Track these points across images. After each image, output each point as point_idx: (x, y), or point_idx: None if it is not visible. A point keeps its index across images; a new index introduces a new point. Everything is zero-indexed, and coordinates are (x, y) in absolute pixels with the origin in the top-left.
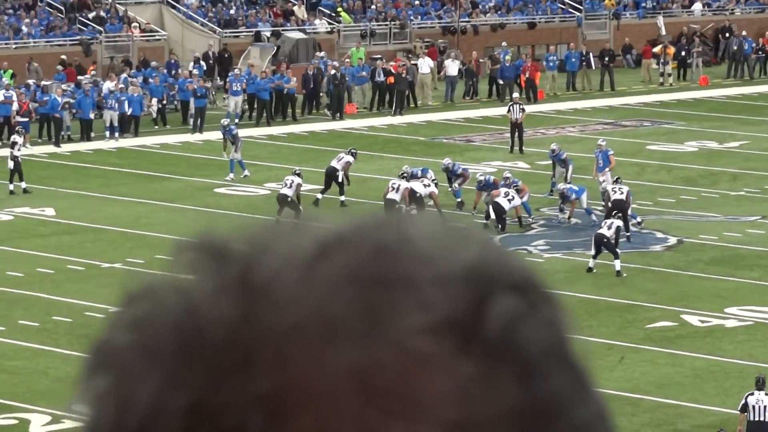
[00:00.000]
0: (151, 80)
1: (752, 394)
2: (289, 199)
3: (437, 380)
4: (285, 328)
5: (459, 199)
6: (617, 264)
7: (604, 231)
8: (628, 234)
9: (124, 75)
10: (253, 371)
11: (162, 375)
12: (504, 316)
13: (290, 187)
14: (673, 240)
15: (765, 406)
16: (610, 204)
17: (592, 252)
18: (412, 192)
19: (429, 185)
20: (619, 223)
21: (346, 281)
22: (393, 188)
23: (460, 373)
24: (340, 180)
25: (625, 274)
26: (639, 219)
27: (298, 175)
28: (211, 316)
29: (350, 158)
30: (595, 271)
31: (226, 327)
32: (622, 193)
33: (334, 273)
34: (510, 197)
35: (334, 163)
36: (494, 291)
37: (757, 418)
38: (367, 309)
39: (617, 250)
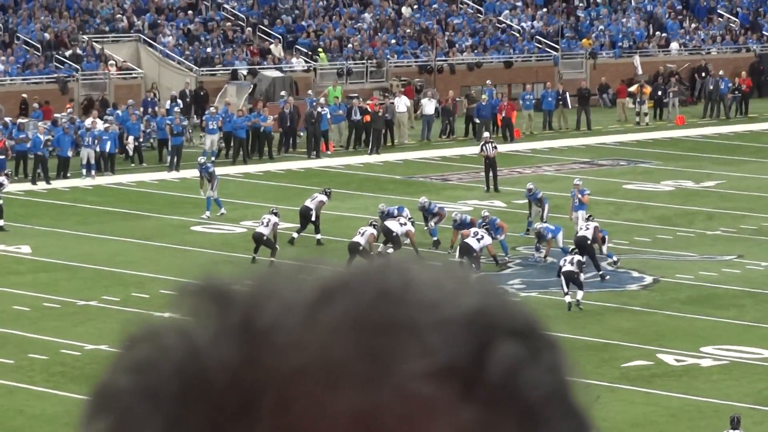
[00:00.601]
0: (128, 118)
1: None
2: (265, 237)
3: (439, 425)
4: (287, 372)
5: (435, 238)
6: (580, 294)
7: (568, 267)
8: (601, 273)
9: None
10: (256, 415)
11: (163, 418)
12: (505, 362)
13: (267, 225)
14: (649, 279)
15: None
16: (575, 240)
17: (565, 289)
18: (388, 230)
19: (405, 224)
20: (579, 257)
21: (348, 326)
22: (360, 233)
23: (462, 418)
24: (313, 219)
25: (581, 308)
26: (615, 258)
27: (276, 214)
28: (213, 360)
29: (324, 198)
30: (572, 307)
31: (229, 370)
32: (587, 229)
33: (337, 318)
34: (479, 237)
35: (308, 203)
36: (496, 337)
37: None
38: (370, 354)
39: (581, 282)
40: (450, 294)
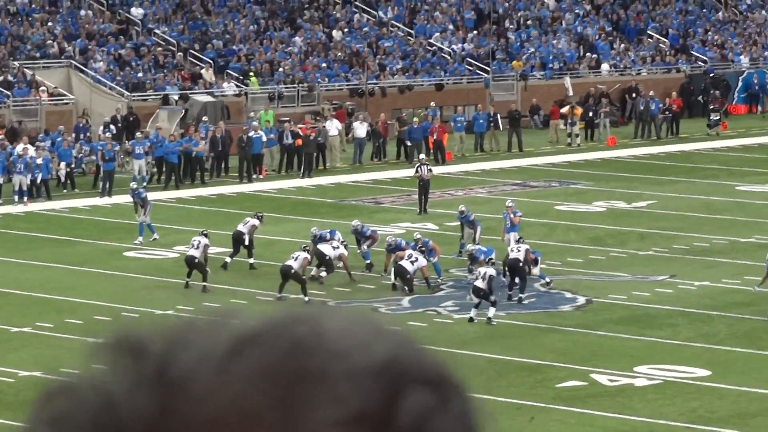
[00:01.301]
0: (59, 144)
1: None
2: (197, 260)
3: None
4: (202, 422)
5: (368, 261)
6: (491, 311)
7: (479, 284)
8: (521, 297)
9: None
10: None
11: None
12: (415, 410)
13: (197, 248)
14: (582, 300)
15: None
16: (503, 265)
17: (474, 301)
18: (321, 254)
19: (338, 247)
20: (492, 271)
21: (261, 376)
22: (293, 258)
23: None
24: (246, 243)
25: (495, 323)
26: (548, 279)
27: (205, 235)
28: (129, 412)
29: (256, 222)
30: (476, 321)
31: (144, 421)
32: (519, 251)
33: (250, 368)
34: (413, 259)
35: (240, 227)
36: (406, 385)
37: None
38: (282, 403)
39: (492, 298)
40: (361, 344)
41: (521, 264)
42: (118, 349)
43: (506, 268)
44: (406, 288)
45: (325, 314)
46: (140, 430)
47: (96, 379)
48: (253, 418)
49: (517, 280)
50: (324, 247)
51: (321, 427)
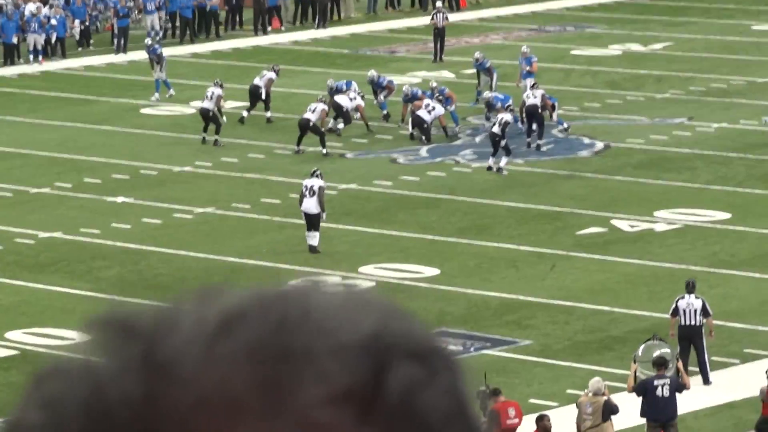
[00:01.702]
0: (72, 1)
1: (682, 297)
2: (210, 113)
3: None
4: (188, 406)
5: (385, 111)
6: (503, 161)
7: (495, 129)
8: (539, 142)
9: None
10: None
11: None
12: (403, 384)
13: (210, 99)
14: (600, 145)
15: (695, 310)
16: (524, 109)
17: (491, 151)
18: (338, 106)
19: (354, 98)
20: (508, 117)
21: (247, 356)
22: (310, 110)
23: None
24: (263, 97)
25: (505, 173)
26: (566, 125)
27: (220, 85)
28: (116, 396)
29: (272, 75)
30: (494, 169)
31: (131, 406)
32: (536, 97)
33: (236, 349)
34: (431, 108)
35: (256, 81)
36: (393, 360)
37: (687, 322)
38: (268, 384)
39: (503, 142)
40: (348, 319)
41: (539, 109)
42: (108, 330)
43: (523, 115)
44: (424, 137)
45: (314, 290)
46: (127, 415)
47: (86, 362)
48: (239, 401)
49: (534, 126)
50: (341, 99)
51: (307, 407)
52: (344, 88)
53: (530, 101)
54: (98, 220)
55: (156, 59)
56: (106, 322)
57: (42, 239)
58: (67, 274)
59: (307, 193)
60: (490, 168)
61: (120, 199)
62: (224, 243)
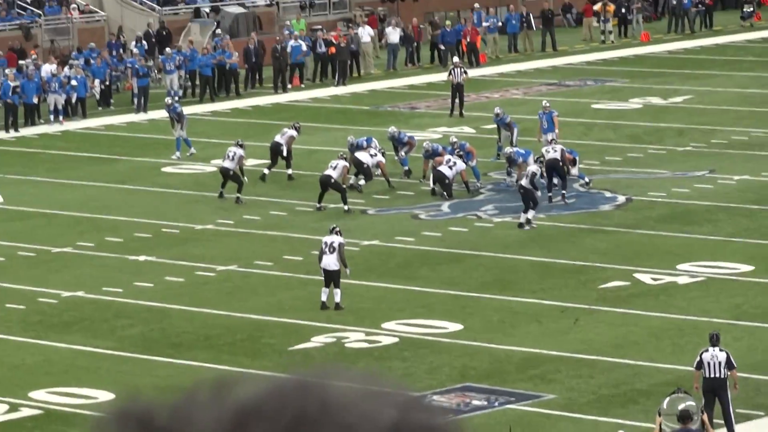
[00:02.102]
0: (92, 62)
1: (707, 350)
2: (231, 172)
3: None
4: None
5: (406, 168)
6: (530, 214)
7: (524, 183)
8: (564, 193)
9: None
10: None
11: None
12: None
13: (232, 159)
14: (622, 198)
15: (720, 362)
16: (544, 165)
17: (523, 206)
18: (358, 162)
19: (375, 155)
20: (535, 168)
21: None
22: (332, 167)
23: None
24: (284, 154)
25: (535, 225)
26: (587, 179)
27: (240, 146)
28: None
29: (293, 132)
30: (527, 227)
31: None
32: (555, 151)
33: None
34: (452, 164)
35: (278, 138)
36: None
37: (712, 375)
38: None
39: (538, 194)
40: (366, 413)
41: (559, 163)
42: (125, 426)
43: (545, 170)
44: (445, 193)
45: (332, 380)
46: None
47: None
48: None
49: (556, 180)
50: (361, 155)
51: None
52: (365, 144)
53: (550, 155)
54: (121, 278)
55: (176, 118)
56: (123, 417)
57: (65, 298)
58: (90, 333)
59: (327, 249)
60: (521, 225)
61: (142, 258)
62: (247, 300)
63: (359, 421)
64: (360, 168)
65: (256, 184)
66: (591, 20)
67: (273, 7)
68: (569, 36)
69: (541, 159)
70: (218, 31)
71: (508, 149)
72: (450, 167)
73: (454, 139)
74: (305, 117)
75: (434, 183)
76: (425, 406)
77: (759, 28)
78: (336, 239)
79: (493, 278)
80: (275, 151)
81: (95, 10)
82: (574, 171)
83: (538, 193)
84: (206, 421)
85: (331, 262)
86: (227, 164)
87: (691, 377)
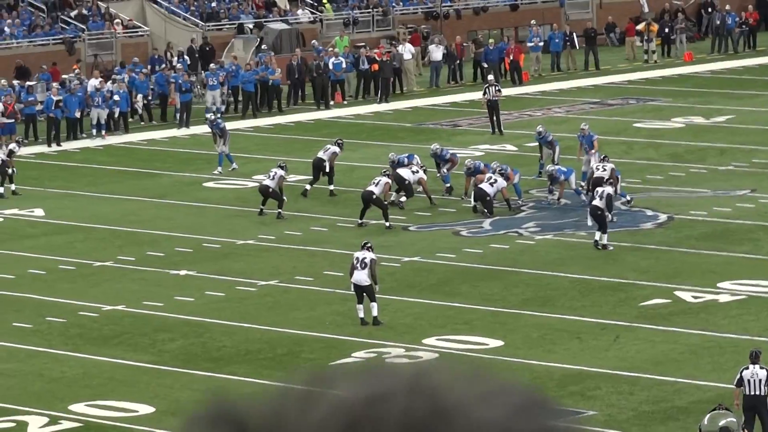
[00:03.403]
0: (135, 75)
1: (747, 368)
2: (271, 190)
3: None
4: None
5: (448, 185)
6: (605, 238)
7: (597, 202)
8: (613, 213)
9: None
10: None
11: None
12: None
13: (273, 179)
14: (663, 217)
15: (760, 380)
16: (591, 181)
17: (595, 226)
18: (400, 179)
19: (417, 171)
20: (609, 189)
21: None
22: (374, 183)
23: None
24: (327, 170)
25: (611, 247)
26: (628, 197)
27: (283, 168)
28: None
29: (336, 149)
30: (600, 246)
31: None
32: (605, 170)
33: None
34: (492, 181)
35: (320, 155)
36: None
37: (752, 392)
38: None
39: (607, 221)
40: (482, 418)
41: (605, 182)
42: (217, 426)
43: (590, 186)
44: (486, 210)
45: (439, 378)
46: None
47: None
48: None
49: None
50: (403, 172)
51: None
52: (406, 161)
53: (597, 173)
54: (161, 293)
55: (219, 133)
56: (215, 416)
57: (105, 312)
58: (130, 347)
59: (358, 265)
60: (596, 244)
61: (183, 272)
62: (287, 315)
63: (473, 426)
64: (401, 185)
65: (298, 199)
66: (634, 39)
67: (316, 23)
68: (612, 55)
69: (610, 180)
70: (263, 47)
71: (550, 167)
72: (491, 184)
73: (496, 164)
74: (347, 133)
75: (476, 200)
76: (541, 407)
77: None
78: (368, 255)
79: (534, 295)
80: (318, 166)
81: (139, 25)
82: (617, 189)
83: (609, 217)
84: (305, 428)
85: (362, 277)
86: (268, 182)
87: (732, 395)
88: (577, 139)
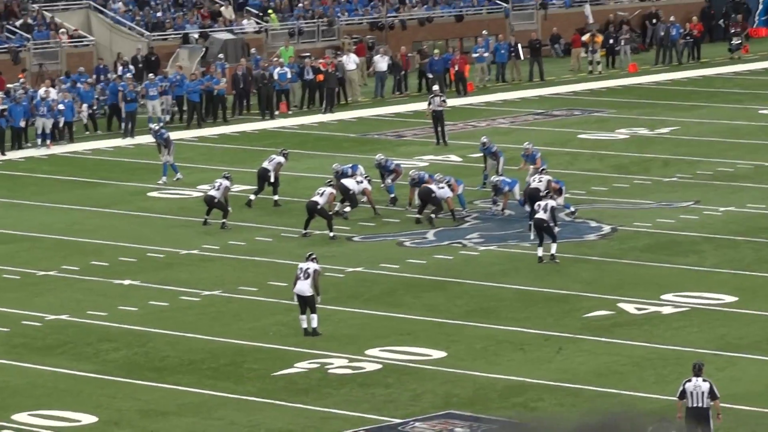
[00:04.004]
0: (80, 85)
1: (690, 380)
2: (216, 200)
3: None
4: None
5: (392, 195)
6: (553, 248)
7: (541, 215)
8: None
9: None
10: None
11: None
12: None
13: (218, 189)
14: (607, 228)
15: (703, 392)
16: (526, 192)
17: (537, 241)
18: (345, 189)
19: (361, 182)
20: (552, 202)
21: None
22: (318, 193)
23: None
24: (272, 180)
25: (557, 260)
26: (573, 208)
27: (228, 178)
28: None
29: (281, 159)
30: (544, 261)
31: None
32: (540, 182)
33: None
34: (440, 186)
35: (265, 164)
36: None
37: (695, 404)
38: None
39: (557, 230)
40: None
41: (542, 194)
42: None
43: (526, 198)
44: (432, 215)
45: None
46: None
47: None
48: None
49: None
50: (347, 182)
51: None
52: (350, 171)
53: (533, 185)
54: (105, 302)
55: (163, 143)
56: None
57: (49, 321)
58: (74, 356)
59: (301, 275)
60: (541, 259)
61: (127, 282)
62: (231, 325)
63: None
64: (346, 195)
65: (242, 210)
66: (579, 51)
67: (262, 33)
68: (557, 66)
69: (552, 194)
70: (221, 56)
71: (494, 178)
72: (439, 188)
73: (440, 175)
74: (292, 143)
75: (420, 199)
76: None
77: (746, 61)
78: (312, 266)
79: (477, 306)
80: (262, 177)
81: (84, 35)
82: (560, 200)
83: (556, 229)
84: None
85: (304, 288)
86: (213, 193)
87: (675, 407)
88: (521, 157)
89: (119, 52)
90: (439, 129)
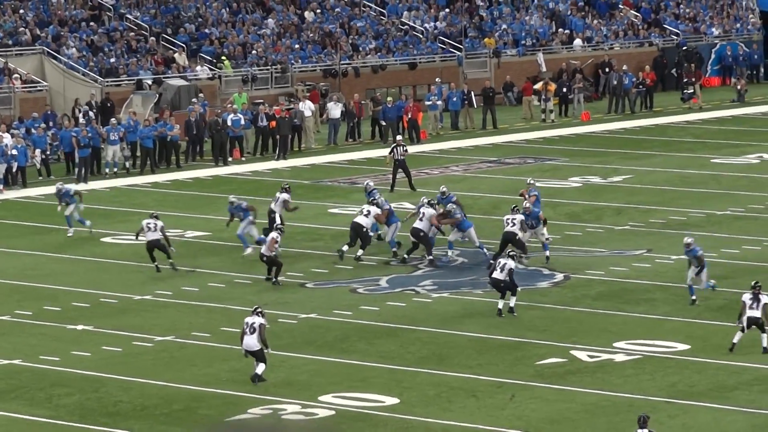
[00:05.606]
0: (33, 131)
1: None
2: (160, 242)
3: None
4: None
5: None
6: (512, 301)
7: (497, 275)
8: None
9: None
10: None
11: None
12: None
13: (155, 230)
14: (560, 276)
15: None
16: (502, 236)
17: (498, 294)
18: (358, 227)
19: (368, 213)
20: (512, 264)
21: None
22: (363, 214)
23: None
24: (278, 222)
25: (516, 315)
26: (525, 256)
27: (156, 217)
28: None
29: (286, 195)
30: (503, 314)
31: None
32: (514, 224)
33: None
34: (366, 212)
35: (272, 206)
36: None
37: None
38: None
39: (515, 287)
40: None
41: (517, 236)
42: None
43: (501, 242)
44: (362, 243)
45: None
46: None
47: None
48: None
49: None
50: (360, 220)
51: None
52: (244, 205)
53: (507, 228)
54: (58, 347)
55: (68, 201)
56: None
57: (2, 366)
58: (26, 401)
59: (247, 330)
60: (500, 312)
61: (80, 327)
62: (184, 371)
63: None
64: (360, 234)
65: (196, 255)
66: (531, 99)
67: (215, 80)
68: (510, 114)
69: (513, 254)
70: (194, 100)
71: (449, 206)
72: (365, 215)
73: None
74: (245, 190)
75: (351, 231)
76: None
77: (698, 110)
78: (257, 320)
79: (430, 353)
80: (272, 217)
81: (38, 80)
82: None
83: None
84: None
85: (252, 342)
86: (154, 236)
87: None
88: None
89: (77, 98)
90: (405, 176)
